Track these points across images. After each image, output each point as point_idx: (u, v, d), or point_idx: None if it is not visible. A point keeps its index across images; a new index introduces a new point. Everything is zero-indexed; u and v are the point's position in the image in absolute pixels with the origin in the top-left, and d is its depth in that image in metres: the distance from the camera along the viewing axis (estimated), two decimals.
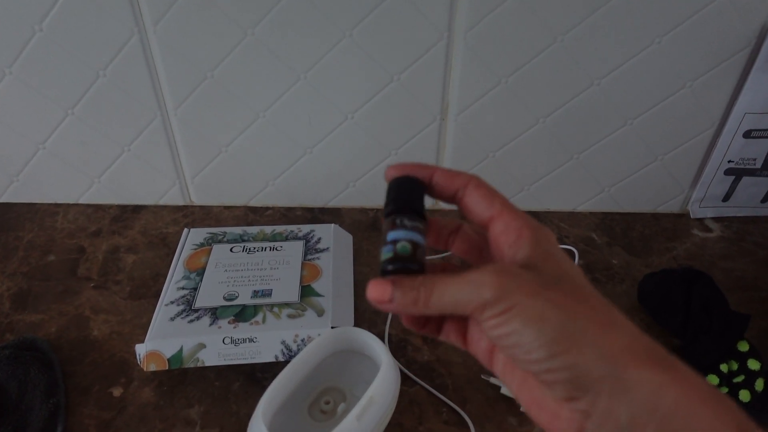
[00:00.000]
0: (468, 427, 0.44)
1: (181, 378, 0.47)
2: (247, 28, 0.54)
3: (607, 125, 0.60)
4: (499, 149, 0.63)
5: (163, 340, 0.46)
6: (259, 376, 0.48)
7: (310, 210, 0.67)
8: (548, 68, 0.56)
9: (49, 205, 0.67)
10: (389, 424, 0.41)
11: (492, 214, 0.24)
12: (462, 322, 0.26)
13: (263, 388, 0.46)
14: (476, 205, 0.24)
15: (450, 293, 0.22)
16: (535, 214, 0.67)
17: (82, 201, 0.68)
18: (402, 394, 0.45)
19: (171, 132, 0.62)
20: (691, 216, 0.66)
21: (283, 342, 0.46)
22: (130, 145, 0.63)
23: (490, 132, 0.61)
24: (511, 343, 0.21)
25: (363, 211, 0.67)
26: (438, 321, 0.26)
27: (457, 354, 0.49)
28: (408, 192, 0.24)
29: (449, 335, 0.26)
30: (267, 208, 0.68)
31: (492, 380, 0.46)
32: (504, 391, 0.45)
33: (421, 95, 0.59)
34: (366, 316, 0.53)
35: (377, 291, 0.22)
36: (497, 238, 0.24)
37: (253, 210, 0.67)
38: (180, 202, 0.68)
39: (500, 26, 0.53)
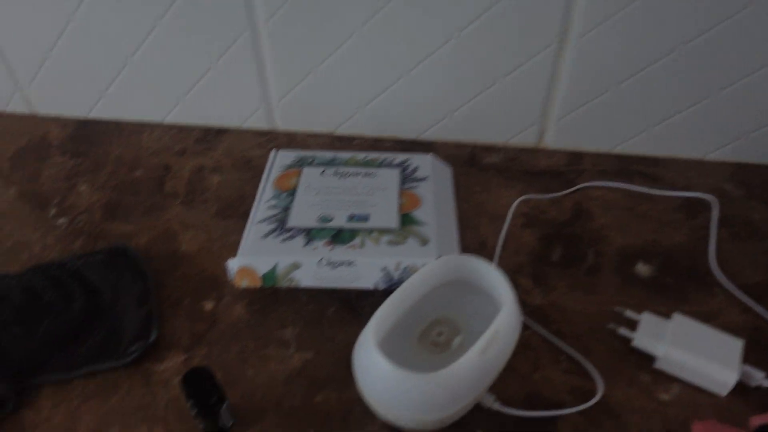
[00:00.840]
0: (592, 380, 0.38)
1: (273, 298, 0.45)
2: None
3: (761, 55, 0.51)
4: (623, 81, 0.55)
5: (256, 256, 0.43)
6: (355, 303, 0.44)
7: (401, 142, 0.62)
8: None
9: (135, 124, 0.66)
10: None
11: None
12: None
13: (359, 317, 0.43)
14: None
15: None
16: (656, 161, 0.59)
17: (166, 121, 0.66)
18: None
19: (260, 48, 0.58)
20: None
21: (384, 269, 0.42)
22: (216, 61, 0.60)
23: (615, 59, 0.53)
24: None
25: (459, 146, 0.61)
26: None
27: (574, 300, 0.44)
28: None
29: None
30: (354, 138, 0.63)
31: (621, 331, 0.40)
32: (636, 343, 0.39)
33: (538, 12, 0.51)
34: (471, 252, 0.48)
35: None
36: None
37: (340, 139, 0.63)
38: (264, 126, 0.64)
39: None
